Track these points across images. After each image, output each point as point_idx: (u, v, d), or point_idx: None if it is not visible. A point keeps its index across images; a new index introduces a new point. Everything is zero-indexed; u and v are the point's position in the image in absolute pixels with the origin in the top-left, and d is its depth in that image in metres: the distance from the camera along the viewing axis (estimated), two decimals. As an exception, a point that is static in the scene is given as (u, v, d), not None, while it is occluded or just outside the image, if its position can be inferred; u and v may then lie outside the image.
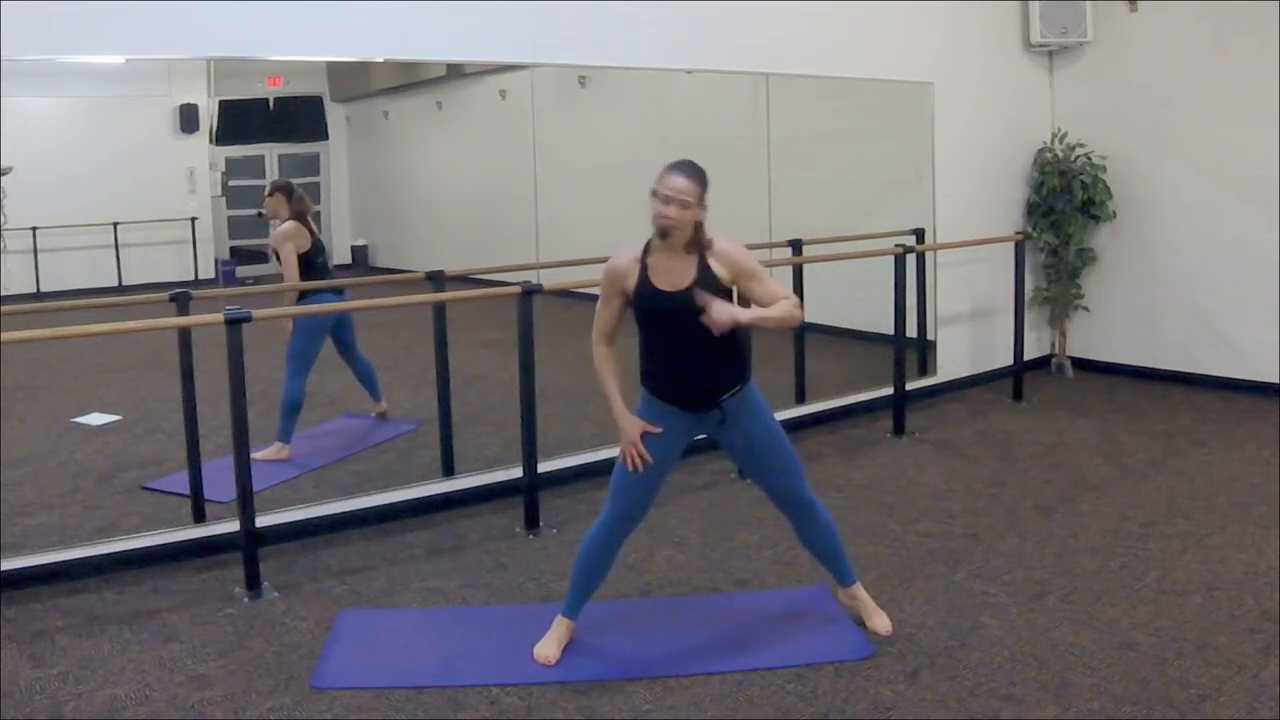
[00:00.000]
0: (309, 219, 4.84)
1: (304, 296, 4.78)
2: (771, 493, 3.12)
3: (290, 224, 4.75)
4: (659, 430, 2.95)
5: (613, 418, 2.98)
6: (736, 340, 2.97)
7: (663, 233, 2.82)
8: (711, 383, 2.94)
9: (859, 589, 3.24)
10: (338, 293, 4.92)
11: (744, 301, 2.98)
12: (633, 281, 2.89)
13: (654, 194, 2.83)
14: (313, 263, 4.80)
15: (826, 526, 3.15)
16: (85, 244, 5.51)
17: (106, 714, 2.77)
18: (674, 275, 2.86)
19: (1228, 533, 3.94)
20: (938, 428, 5.56)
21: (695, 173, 2.85)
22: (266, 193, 4.92)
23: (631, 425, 2.94)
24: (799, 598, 3.45)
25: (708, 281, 2.86)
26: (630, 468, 2.95)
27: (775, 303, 2.88)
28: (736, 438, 3.02)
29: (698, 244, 2.88)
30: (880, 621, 3.19)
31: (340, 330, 5.05)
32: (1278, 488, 4.42)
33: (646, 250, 2.91)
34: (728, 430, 3.00)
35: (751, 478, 3.20)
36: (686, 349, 2.90)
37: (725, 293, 2.91)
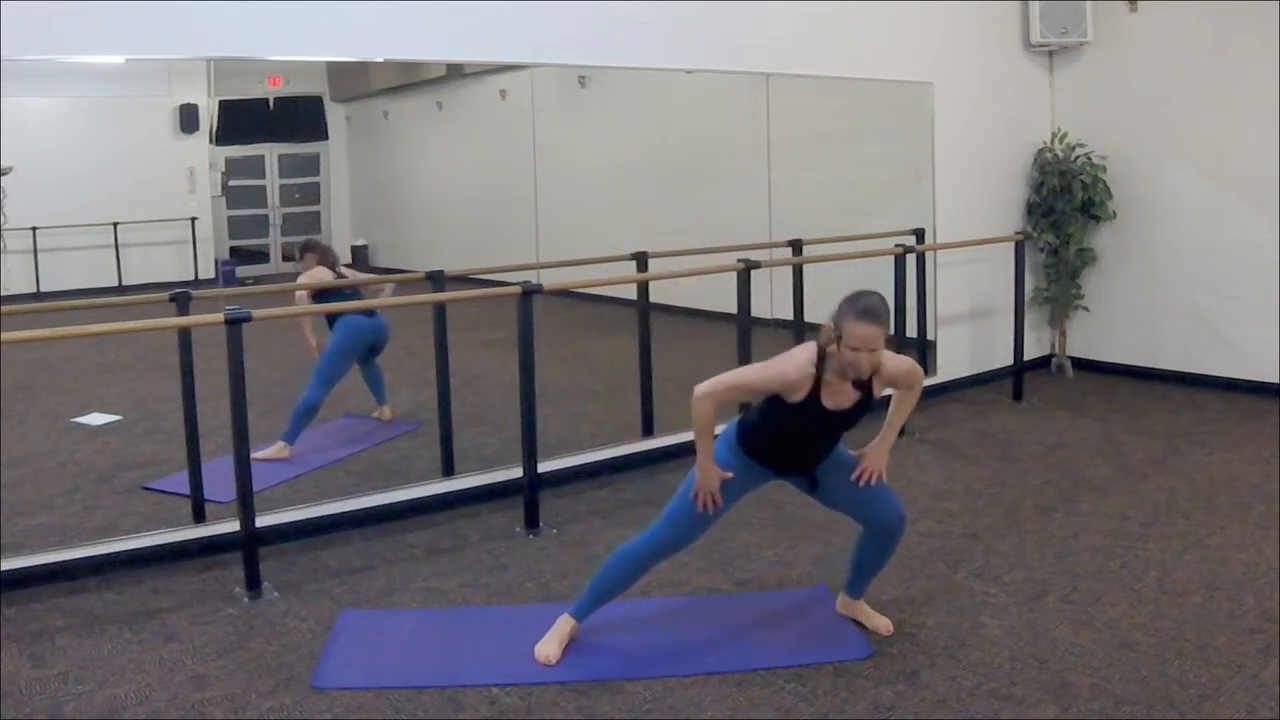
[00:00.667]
0: (337, 268, 5.03)
1: (334, 318, 4.96)
2: (877, 523, 3.10)
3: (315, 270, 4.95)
4: (731, 476, 2.99)
5: (696, 463, 2.96)
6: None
7: (858, 384, 2.87)
8: (818, 459, 3.04)
9: (863, 603, 3.25)
10: (369, 314, 5.03)
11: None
12: (801, 395, 2.86)
13: (840, 333, 2.77)
14: (340, 295, 4.97)
15: (890, 552, 3.17)
16: (85, 244, 5.50)
17: (106, 714, 2.77)
18: (841, 396, 2.89)
19: (1228, 533, 3.94)
20: (938, 428, 5.56)
21: (881, 314, 2.78)
22: (299, 252, 5.16)
23: (713, 475, 2.95)
24: (799, 598, 3.45)
25: (868, 399, 2.93)
26: (700, 509, 2.97)
27: (912, 389, 3.04)
28: (831, 493, 3.09)
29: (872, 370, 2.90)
30: (880, 622, 3.20)
31: (376, 347, 5.19)
32: (1278, 488, 4.42)
33: (821, 366, 2.86)
34: (821, 490, 3.09)
35: (859, 519, 3.17)
36: (815, 443, 2.99)
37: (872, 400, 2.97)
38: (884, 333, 2.77)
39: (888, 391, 3.04)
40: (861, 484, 3.02)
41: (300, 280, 4.93)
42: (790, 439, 2.98)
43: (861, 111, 6.26)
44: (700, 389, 2.86)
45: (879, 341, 2.76)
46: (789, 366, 2.84)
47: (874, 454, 3.05)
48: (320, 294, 4.89)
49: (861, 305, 2.75)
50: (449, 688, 2.89)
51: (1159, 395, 6.12)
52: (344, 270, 5.11)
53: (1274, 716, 2.66)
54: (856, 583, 3.23)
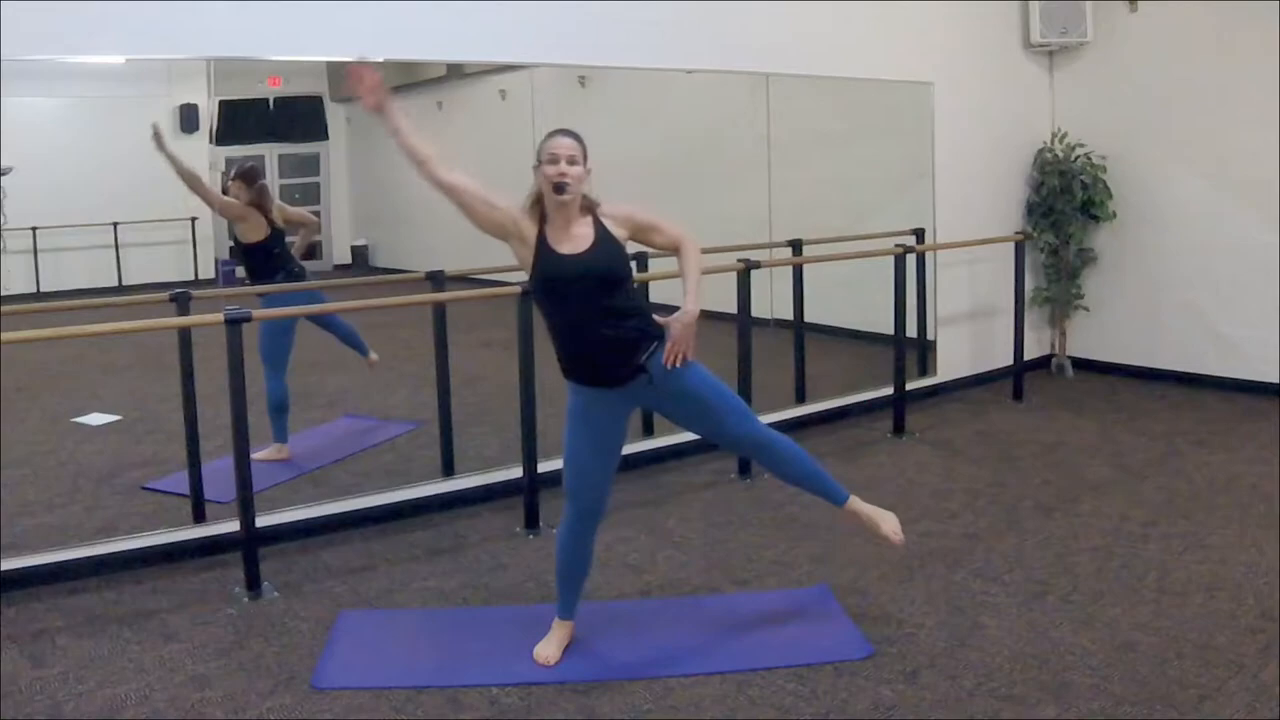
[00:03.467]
0: (270, 209, 4.75)
1: (269, 297, 4.69)
2: (731, 443, 3.06)
3: (239, 206, 4.68)
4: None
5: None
6: (635, 296, 2.94)
7: (559, 189, 2.78)
8: (628, 346, 2.84)
9: (856, 502, 3.14)
10: (297, 276, 4.81)
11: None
12: (530, 234, 2.83)
13: (541, 161, 2.81)
14: (270, 253, 4.73)
15: (795, 453, 3.07)
16: (85, 244, 5.50)
17: (106, 714, 2.77)
18: (574, 241, 2.83)
19: (1228, 533, 3.94)
20: (938, 428, 5.56)
21: (576, 133, 2.85)
22: (229, 177, 4.82)
23: (380, 95, 2.82)
24: (799, 598, 3.45)
25: (608, 241, 2.85)
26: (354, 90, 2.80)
27: (680, 247, 2.94)
28: (674, 397, 2.95)
29: (589, 205, 2.87)
30: (889, 525, 3.11)
31: (318, 320, 4.96)
32: (1278, 488, 4.42)
33: (540, 207, 2.85)
34: (662, 393, 2.93)
35: (703, 434, 3.11)
36: (595, 320, 2.82)
37: (624, 251, 2.90)
38: (583, 149, 2.83)
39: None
40: (669, 365, 2.85)
41: (229, 205, 4.66)
42: (567, 330, 2.86)
43: (861, 111, 6.26)
44: (450, 172, 2.82)
45: (574, 150, 2.80)
46: (506, 199, 2.86)
47: (675, 321, 2.86)
48: (254, 253, 4.70)
49: (556, 129, 2.84)
50: (449, 688, 2.89)
51: (1159, 395, 6.12)
52: (277, 216, 4.77)
53: (1274, 716, 2.66)
54: (823, 494, 3.13)
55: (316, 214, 6.89)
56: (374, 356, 5.22)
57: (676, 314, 2.89)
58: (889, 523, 3.13)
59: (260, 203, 4.72)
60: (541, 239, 2.84)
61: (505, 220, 2.85)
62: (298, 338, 4.85)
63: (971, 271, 6.34)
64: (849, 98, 6.08)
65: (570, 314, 2.85)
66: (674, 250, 2.99)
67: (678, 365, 2.87)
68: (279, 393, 4.76)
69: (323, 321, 5.03)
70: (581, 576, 3.08)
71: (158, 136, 4.53)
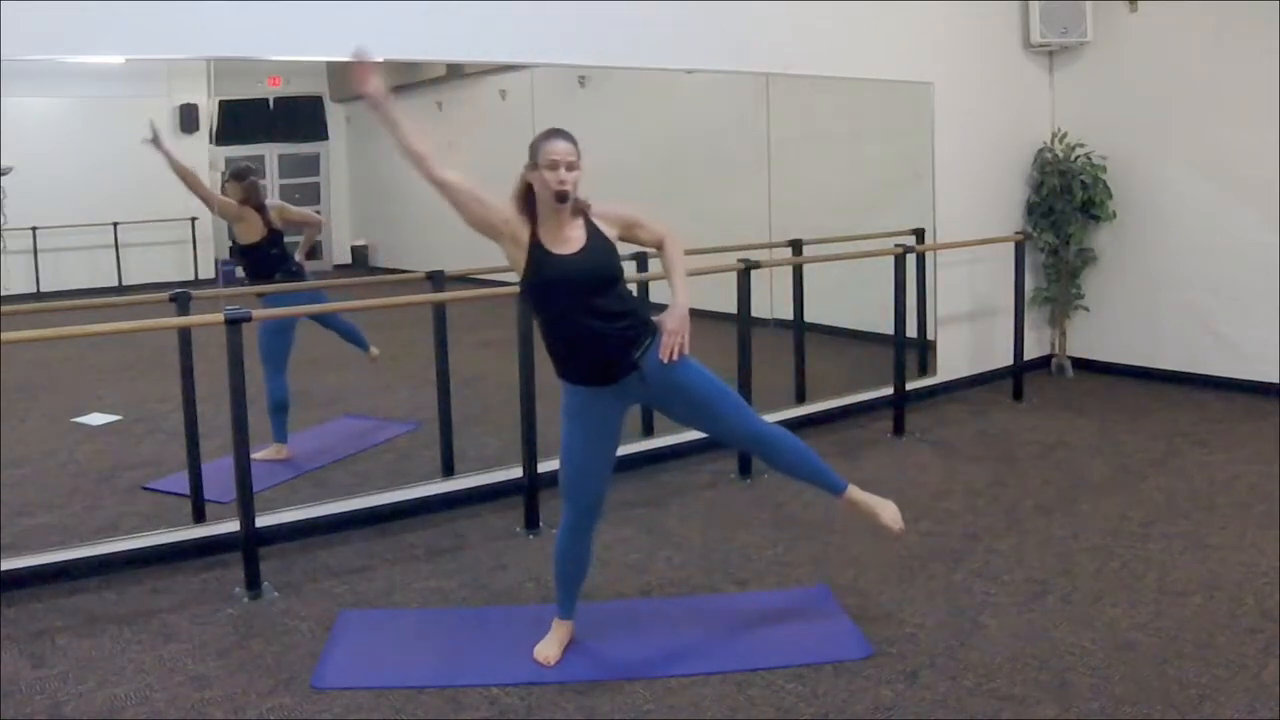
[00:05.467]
0: (266, 210, 4.75)
1: (269, 297, 4.69)
2: (728, 437, 3.07)
3: (234, 206, 4.69)
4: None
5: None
6: (628, 296, 2.94)
7: (562, 198, 2.79)
8: (622, 344, 2.84)
9: (855, 491, 3.14)
10: (297, 276, 4.83)
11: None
12: (523, 236, 2.83)
13: (539, 165, 2.79)
14: (267, 254, 4.74)
15: (794, 445, 3.07)
16: (85, 244, 5.50)
17: (106, 714, 2.77)
18: (567, 242, 2.83)
19: (1228, 533, 3.94)
20: (938, 428, 5.56)
21: (571, 135, 2.84)
22: (224, 179, 4.84)
23: (379, 93, 2.80)
24: (799, 598, 3.45)
25: (599, 241, 2.85)
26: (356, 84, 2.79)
27: (661, 244, 2.95)
28: (670, 393, 2.94)
29: (581, 207, 2.87)
30: (889, 514, 3.12)
31: (318, 317, 4.96)
32: (1278, 488, 4.42)
33: (531, 204, 2.85)
34: (657, 389, 2.92)
35: (701, 428, 3.12)
36: (588, 319, 2.81)
37: (616, 251, 2.90)
38: (575, 150, 2.81)
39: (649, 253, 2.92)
40: (665, 360, 2.84)
41: (225, 206, 4.68)
42: (559, 330, 2.86)
43: (861, 111, 6.26)
44: (445, 170, 2.80)
45: (573, 155, 2.79)
46: (500, 199, 2.84)
47: (668, 317, 2.86)
48: (250, 253, 4.70)
49: (549, 130, 2.82)
50: (449, 688, 2.89)
51: (1159, 395, 6.12)
52: (275, 217, 4.78)
53: (1274, 716, 2.66)
54: (822, 485, 3.13)
55: (318, 214, 6.90)
56: (375, 351, 5.22)
57: (667, 310, 2.89)
58: (888, 511, 3.13)
59: (253, 201, 4.71)
60: (535, 240, 2.84)
61: (497, 220, 2.85)
62: (297, 338, 4.85)
63: (971, 271, 6.34)
64: (849, 98, 6.08)
65: (563, 313, 2.85)
66: (657, 247, 2.99)
67: (674, 359, 2.86)
68: (279, 392, 4.76)
69: (322, 319, 5.03)
70: (580, 576, 3.08)
71: (155, 135, 4.53)
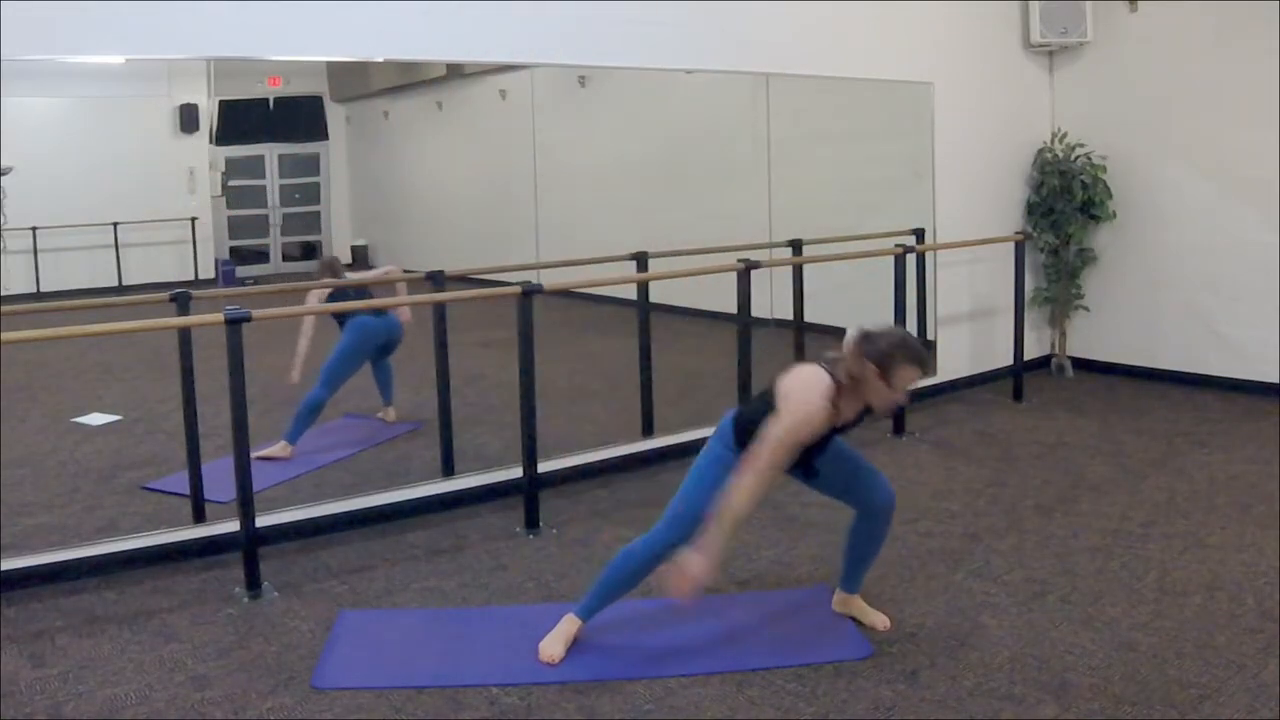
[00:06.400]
0: (342, 276, 5.02)
1: (344, 317, 4.93)
2: (872, 505, 3.13)
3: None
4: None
5: (700, 546, 2.77)
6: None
7: (889, 414, 2.87)
8: (815, 460, 3.04)
9: (859, 599, 3.26)
10: (380, 314, 5.02)
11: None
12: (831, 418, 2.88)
13: (890, 381, 2.78)
14: (344, 296, 4.94)
15: (882, 537, 3.19)
16: (85, 244, 5.51)
17: (106, 714, 2.77)
18: (847, 413, 2.92)
19: (1228, 533, 3.94)
20: (938, 428, 5.56)
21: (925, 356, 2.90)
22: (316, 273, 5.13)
23: (708, 569, 2.75)
24: (799, 598, 3.45)
25: (869, 409, 2.93)
26: (670, 594, 2.83)
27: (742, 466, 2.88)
28: (827, 480, 3.12)
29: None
30: (878, 618, 3.20)
31: (388, 348, 5.18)
32: (1278, 488, 4.42)
33: (835, 392, 2.85)
34: (818, 479, 3.11)
35: (852, 503, 3.18)
36: (815, 449, 2.98)
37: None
38: None
39: None
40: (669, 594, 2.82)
41: (311, 295, 4.92)
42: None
43: (861, 111, 6.26)
44: (748, 470, 2.74)
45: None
46: (812, 408, 2.78)
47: (689, 560, 2.77)
48: (330, 297, 4.88)
49: (913, 349, 2.81)
50: (449, 688, 2.89)
51: (1159, 395, 6.12)
52: (349, 275, 5.08)
53: (1274, 716, 2.66)
54: (852, 577, 3.24)
55: (317, 214, 6.91)
56: (392, 413, 5.36)
57: (698, 543, 2.79)
58: (879, 617, 3.22)
59: (332, 273, 5.00)
60: (829, 415, 2.84)
61: (806, 437, 2.83)
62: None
63: (971, 271, 6.34)
64: (849, 98, 6.08)
65: (803, 449, 2.91)
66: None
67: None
68: (319, 400, 4.85)
69: (376, 359, 5.21)
70: (624, 592, 3.10)
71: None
